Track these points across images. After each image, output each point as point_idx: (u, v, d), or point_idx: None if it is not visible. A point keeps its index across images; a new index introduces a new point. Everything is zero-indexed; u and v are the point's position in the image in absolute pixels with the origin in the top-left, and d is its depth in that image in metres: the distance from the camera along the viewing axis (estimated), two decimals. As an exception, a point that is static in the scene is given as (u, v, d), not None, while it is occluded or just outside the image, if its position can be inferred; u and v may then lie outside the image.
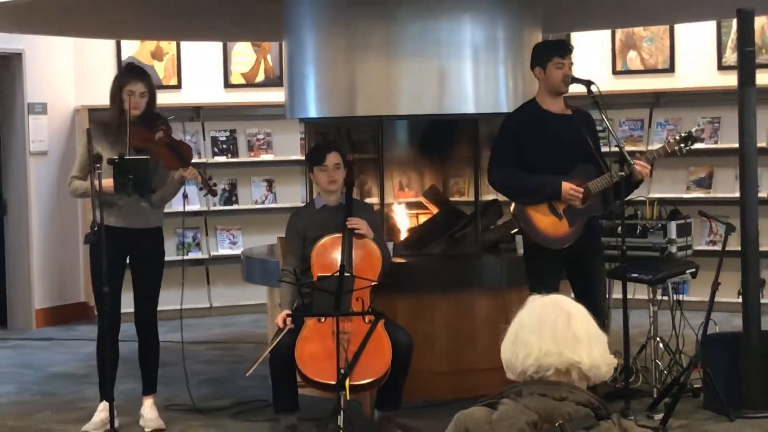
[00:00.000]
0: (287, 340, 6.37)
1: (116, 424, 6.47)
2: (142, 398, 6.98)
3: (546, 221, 6.54)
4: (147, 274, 6.91)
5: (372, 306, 6.45)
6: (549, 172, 6.48)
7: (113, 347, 6.80)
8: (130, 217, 6.75)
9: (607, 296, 7.46)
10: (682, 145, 6.78)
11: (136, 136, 6.65)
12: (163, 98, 10.65)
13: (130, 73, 6.95)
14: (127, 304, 6.94)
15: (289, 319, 6.45)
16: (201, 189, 6.99)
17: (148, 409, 6.93)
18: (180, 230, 9.80)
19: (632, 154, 6.69)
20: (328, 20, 7.49)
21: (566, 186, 6.43)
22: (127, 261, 6.90)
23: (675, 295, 7.68)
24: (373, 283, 6.49)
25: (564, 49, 6.76)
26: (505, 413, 3.01)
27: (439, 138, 8.16)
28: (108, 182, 6.49)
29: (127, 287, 6.91)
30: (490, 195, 7.52)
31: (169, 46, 10.95)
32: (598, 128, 6.81)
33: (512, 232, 7.43)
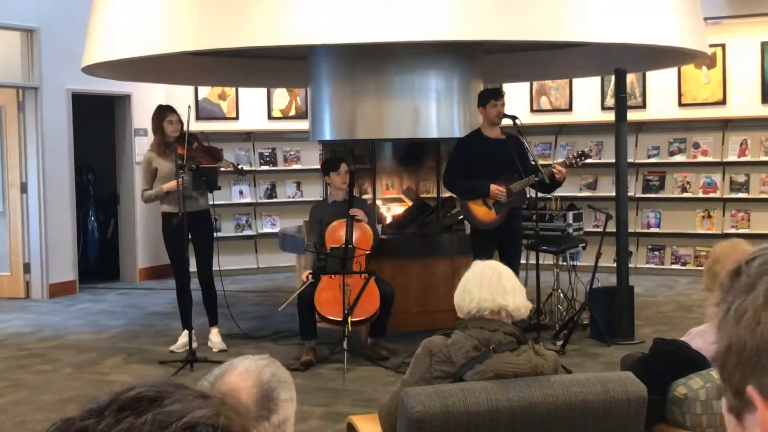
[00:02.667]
0: (309, 290, 6.41)
1: (194, 345, 6.54)
2: (209, 329, 7.00)
3: (480, 211, 6.57)
4: (203, 244, 6.86)
5: (366, 267, 6.50)
6: (486, 178, 6.50)
7: (189, 292, 6.76)
8: (193, 204, 6.64)
9: (525, 262, 7.49)
10: (577, 159, 6.82)
11: (181, 149, 6.54)
12: (226, 126, 10.74)
13: (165, 109, 6.81)
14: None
15: (310, 276, 6.50)
16: (233, 173, 6.99)
17: (215, 336, 6.95)
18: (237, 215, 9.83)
19: (544, 165, 6.72)
20: (338, 74, 7.48)
21: (493, 187, 6.46)
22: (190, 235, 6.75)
23: (571, 261, 7.74)
24: (367, 252, 6.54)
25: (498, 94, 6.79)
26: (456, 339, 3.04)
27: (413, 154, 8.15)
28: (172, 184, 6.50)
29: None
30: (447, 193, 7.53)
31: (230, 90, 10.92)
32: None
33: (460, 218, 7.46)
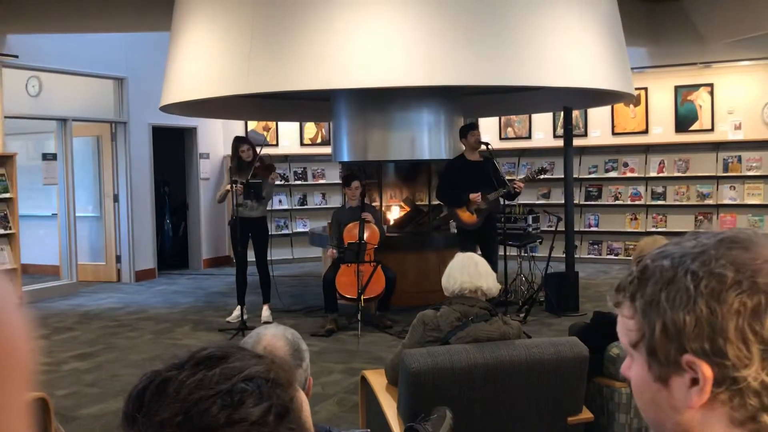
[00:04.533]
0: (331, 274, 6.41)
1: (245, 317, 6.53)
2: (262, 305, 6.92)
3: (465, 215, 6.55)
4: (259, 242, 6.86)
5: (375, 257, 6.51)
6: (468, 191, 6.49)
7: (244, 277, 6.81)
8: (249, 211, 6.73)
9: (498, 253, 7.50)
10: (538, 173, 6.81)
11: (252, 169, 6.70)
12: (268, 151, 10.66)
13: (239, 140, 6.95)
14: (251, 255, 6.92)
15: (335, 252, 6.55)
16: (280, 179, 7.05)
17: (265, 310, 6.90)
18: (277, 219, 9.78)
19: (510, 180, 6.71)
20: (353, 112, 7.49)
21: (472, 195, 6.42)
22: (249, 235, 6.86)
23: (531, 253, 7.73)
24: (375, 246, 6.54)
25: (475, 126, 6.78)
26: (444, 312, 3.05)
27: (410, 171, 8.15)
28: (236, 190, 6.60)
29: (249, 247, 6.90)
30: (436, 201, 7.52)
31: (272, 123, 10.92)
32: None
33: (445, 220, 7.45)
